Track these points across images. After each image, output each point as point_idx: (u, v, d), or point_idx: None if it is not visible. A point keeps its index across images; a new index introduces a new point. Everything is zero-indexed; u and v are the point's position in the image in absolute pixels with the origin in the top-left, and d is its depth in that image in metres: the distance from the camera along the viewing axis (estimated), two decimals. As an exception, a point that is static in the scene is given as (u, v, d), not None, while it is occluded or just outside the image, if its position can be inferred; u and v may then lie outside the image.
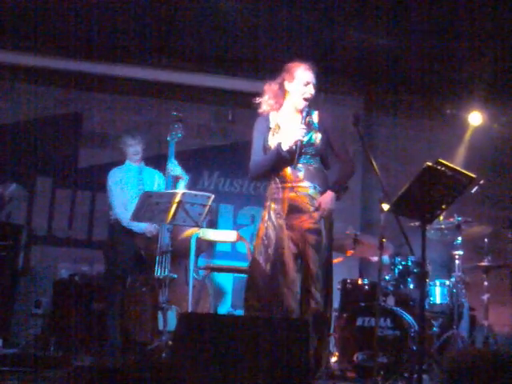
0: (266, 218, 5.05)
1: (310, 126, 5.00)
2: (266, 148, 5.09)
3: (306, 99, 5.04)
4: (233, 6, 6.98)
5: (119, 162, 6.75)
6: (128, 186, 6.50)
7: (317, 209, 4.95)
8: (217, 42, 7.72)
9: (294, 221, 4.99)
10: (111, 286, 6.40)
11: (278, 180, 5.05)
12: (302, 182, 4.99)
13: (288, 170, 5.01)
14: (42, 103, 8.16)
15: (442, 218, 6.22)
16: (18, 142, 8.12)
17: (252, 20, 7.18)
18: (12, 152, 8.08)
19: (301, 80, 5.05)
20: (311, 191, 4.98)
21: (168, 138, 6.31)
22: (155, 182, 6.67)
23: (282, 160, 4.97)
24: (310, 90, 5.06)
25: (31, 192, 8.15)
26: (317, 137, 5.04)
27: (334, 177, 5.11)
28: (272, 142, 5.06)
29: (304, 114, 5.01)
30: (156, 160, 6.97)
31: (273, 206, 5.04)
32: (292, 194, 5.00)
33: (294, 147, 4.91)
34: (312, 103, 5.09)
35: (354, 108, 7.90)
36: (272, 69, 5.24)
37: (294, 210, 4.99)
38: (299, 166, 4.97)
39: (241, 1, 6.94)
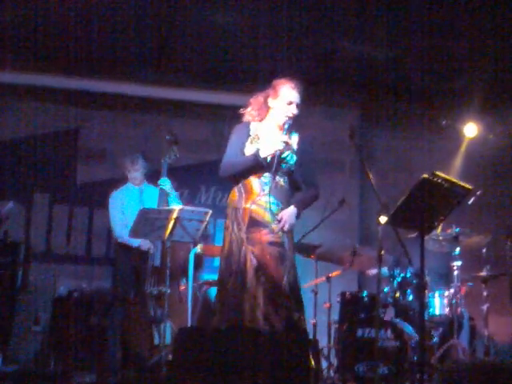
0: (230, 229, 5.00)
1: (288, 145, 4.95)
2: (242, 153, 5.04)
3: (288, 117, 5.01)
4: (230, 20, 6.98)
5: (118, 178, 6.76)
6: (129, 209, 6.49)
7: (278, 221, 4.90)
8: (214, 58, 7.74)
9: (254, 234, 4.92)
10: (112, 303, 6.41)
11: (242, 189, 5.00)
12: (265, 197, 4.93)
13: (255, 182, 4.96)
14: (40, 120, 8.15)
15: (439, 229, 6.23)
16: (15, 159, 8.12)
17: (249, 34, 7.19)
18: (10, 169, 8.08)
19: (284, 98, 5.01)
20: (274, 207, 4.92)
21: (162, 160, 6.26)
22: (157, 200, 6.67)
23: (257, 166, 4.92)
24: (293, 110, 5.01)
25: (29, 208, 8.14)
26: (292, 157, 5.00)
27: (298, 196, 5.11)
28: (249, 150, 5.01)
29: (286, 126, 4.97)
30: (155, 175, 6.95)
31: (233, 214, 5.00)
32: (254, 207, 4.94)
33: (273, 157, 4.87)
34: (294, 124, 5.06)
35: (351, 120, 7.91)
36: (270, 83, 5.23)
37: (254, 223, 4.93)
38: (265, 180, 4.94)
39: (238, 15, 6.95)
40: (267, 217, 4.93)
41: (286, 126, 4.97)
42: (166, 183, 6.20)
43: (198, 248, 6.66)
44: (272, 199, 4.93)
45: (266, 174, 4.95)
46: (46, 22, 7.17)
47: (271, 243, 4.90)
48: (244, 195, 4.99)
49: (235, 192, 5.03)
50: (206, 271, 7.53)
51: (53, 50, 7.60)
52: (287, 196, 5.03)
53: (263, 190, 4.96)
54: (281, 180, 5.00)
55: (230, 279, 4.90)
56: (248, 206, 4.95)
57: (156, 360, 5.74)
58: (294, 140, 5.06)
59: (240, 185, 5.01)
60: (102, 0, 6.80)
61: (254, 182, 4.98)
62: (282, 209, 4.95)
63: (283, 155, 4.92)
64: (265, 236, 4.91)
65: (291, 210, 4.94)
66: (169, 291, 5.64)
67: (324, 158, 8.16)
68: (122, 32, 7.32)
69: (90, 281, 7.75)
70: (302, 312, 4.91)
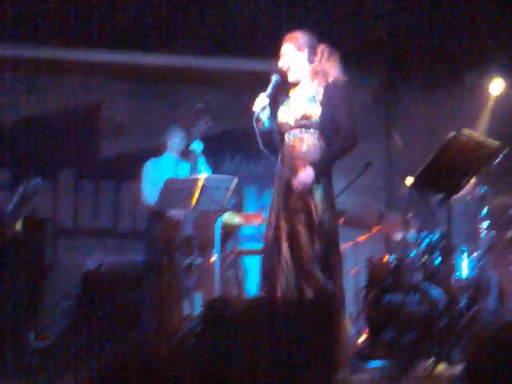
0: (272, 197, 4.97)
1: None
2: None
3: (275, 71, 4.88)
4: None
5: (143, 150, 6.78)
6: (163, 179, 6.48)
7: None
8: (237, 25, 7.69)
9: (288, 199, 4.85)
10: (145, 274, 6.45)
11: (279, 156, 4.95)
12: (295, 160, 4.83)
13: (284, 146, 4.90)
14: (62, 95, 8.18)
15: (466, 189, 6.19)
16: (38, 136, 8.16)
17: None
18: (33, 146, 8.12)
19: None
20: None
21: (194, 129, 6.14)
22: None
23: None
24: (281, 62, 4.87)
25: (55, 184, 8.21)
26: (314, 110, 4.85)
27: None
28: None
29: (272, 81, 4.82)
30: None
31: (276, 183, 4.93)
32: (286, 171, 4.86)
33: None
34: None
35: (375, 83, 7.86)
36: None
37: (288, 188, 4.85)
38: (291, 142, 4.86)
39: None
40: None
41: (272, 80, 4.85)
42: (198, 146, 6.12)
43: (232, 217, 6.63)
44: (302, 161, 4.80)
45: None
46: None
47: (299, 209, 4.81)
48: (280, 162, 4.96)
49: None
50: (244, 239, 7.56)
51: (73, 23, 7.59)
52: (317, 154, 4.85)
53: (290, 153, 4.86)
54: (306, 137, 4.86)
55: (267, 247, 4.90)
56: (284, 172, 4.88)
57: (185, 331, 5.78)
58: (314, 91, 4.90)
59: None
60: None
61: (283, 146, 4.93)
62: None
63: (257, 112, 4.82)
64: (295, 201, 4.83)
65: (306, 171, 4.75)
66: (198, 261, 5.66)
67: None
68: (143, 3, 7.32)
69: (118, 254, 7.80)
70: (334, 280, 4.85)
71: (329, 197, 4.86)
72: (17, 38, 7.74)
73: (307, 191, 4.79)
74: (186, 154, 6.66)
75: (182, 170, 6.61)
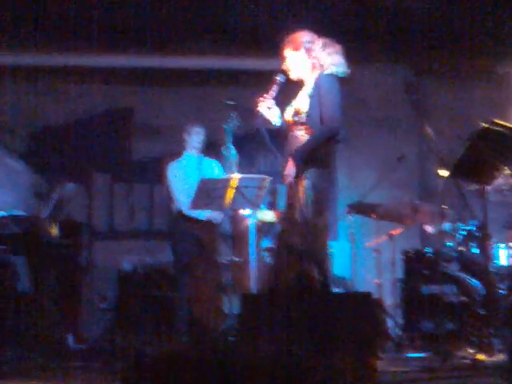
0: None
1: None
2: None
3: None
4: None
5: (175, 153, 6.81)
6: (189, 179, 6.53)
7: None
8: (268, 26, 7.69)
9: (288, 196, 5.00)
10: (179, 275, 6.49)
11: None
12: (288, 157, 4.93)
13: (286, 143, 5.02)
14: (93, 101, 8.26)
15: (500, 179, 6.16)
16: (72, 141, 8.26)
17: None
18: (68, 151, 8.23)
19: None
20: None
21: (225, 127, 6.25)
22: (215, 171, 6.71)
23: None
24: (283, 65, 5.06)
25: (90, 189, 8.29)
26: (303, 104, 4.94)
27: None
28: None
29: (277, 81, 4.99)
30: (210, 148, 6.97)
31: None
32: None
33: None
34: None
35: (405, 75, 7.84)
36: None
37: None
38: (289, 140, 4.97)
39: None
40: None
41: (277, 80, 5.00)
42: (231, 150, 6.17)
43: (266, 215, 6.66)
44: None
45: None
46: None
47: (291, 204, 4.91)
48: None
49: None
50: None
51: (101, 28, 7.65)
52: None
53: (290, 151, 4.95)
54: (301, 133, 4.94)
55: None
56: None
57: (225, 328, 5.82)
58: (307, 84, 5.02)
59: None
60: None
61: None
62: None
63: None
64: (290, 198, 4.97)
65: (288, 163, 4.89)
66: (237, 259, 5.68)
67: (380, 115, 8.15)
68: (171, 7, 7.36)
69: (153, 256, 7.85)
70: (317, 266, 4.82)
71: (315, 189, 4.83)
72: (50, 47, 7.87)
73: (294, 184, 4.87)
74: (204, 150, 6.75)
75: (207, 169, 6.66)
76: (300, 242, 4.76)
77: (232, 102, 6.22)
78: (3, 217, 6.49)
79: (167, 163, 6.75)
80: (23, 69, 8.09)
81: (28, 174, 8.02)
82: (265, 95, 4.94)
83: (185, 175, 6.60)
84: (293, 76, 5.03)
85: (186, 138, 6.73)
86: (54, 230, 6.81)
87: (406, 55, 8.40)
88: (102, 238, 8.16)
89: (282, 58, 5.04)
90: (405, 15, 7.60)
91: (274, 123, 5.00)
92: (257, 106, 4.94)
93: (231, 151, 6.21)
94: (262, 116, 4.97)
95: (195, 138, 6.69)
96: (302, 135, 4.91)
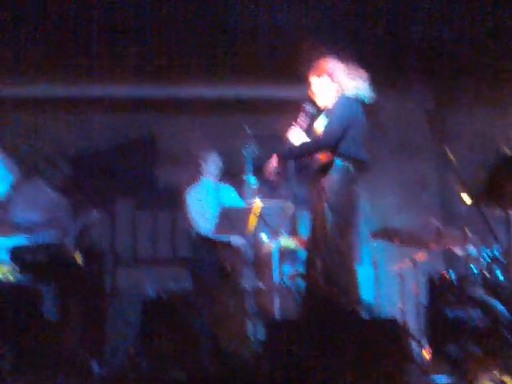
0: None
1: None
2: None
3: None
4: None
5: (196, 179, 6.88)
6: (206, 203, 6.59)
7: None
8: (284, 55, 7.75)
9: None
10: (202, 301, 6.51)
11: None
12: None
13: None
14: (116, 130, 8.40)
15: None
16: (96, 170, 8.37)
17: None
18: (92, 179, 8.31)
19: None
20: None
21: (244, 153, 6.31)
22: (231, 197, 6.76)
23: None
24: (309, 93, 5.18)
25: (113, 216, 8.37)
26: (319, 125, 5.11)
27: None
28: None
29: (306, 110, 5.16)
30: (229, 176, 7.03)
31: None
32: None
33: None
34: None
35: (426, 103, 7.86)
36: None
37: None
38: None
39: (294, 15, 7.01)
40: None
41: (305, 109, 5.13)
42: (251, 179, 6.23)
43: (289, 241, 6.68)
44: None
45: None
46: (114, 29, 7.37)
47: None
48: None
49: None
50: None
51: (126, 62, 7.75)
52: None
53: None
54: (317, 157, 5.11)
55: None
56: None
57: (250, 355, 5.81)
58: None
59: None
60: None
61: None
62: None
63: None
64: None
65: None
66: (262, 286, 5.70)
67: (401, 141, 8.16)
68: (191, 38, 7.43)
69: (177, 282, 7.87)
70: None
71: (338, 215, 4.94)
72: (80, 79, 8.01)
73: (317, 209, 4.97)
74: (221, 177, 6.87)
75: (226, 195, 6.70)
76: (326, 267, 4.79)
77: (250, 130, 6.30)
78: (31, 245, 6.55)
79: (185, 188, 6.85)
80: (48, 100, 8.22)
81: (58, 200, 8.10)
82: (294, 123, 4.98)
83: (202, 200, 6.67)
84: (319, 103, 5.07)
85: (202, 164, 6.83)
86: (79, 257, 6.85)
87: (426, 82, 8.42)
88: (125, 265, 8.20)
89: (307, 85, 5.12)
90: (427, 43, 7.64)
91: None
92: (286, 134, 5.01)
93: (251, 177, 6.28)
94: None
95: (212, 164, 6.78)
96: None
